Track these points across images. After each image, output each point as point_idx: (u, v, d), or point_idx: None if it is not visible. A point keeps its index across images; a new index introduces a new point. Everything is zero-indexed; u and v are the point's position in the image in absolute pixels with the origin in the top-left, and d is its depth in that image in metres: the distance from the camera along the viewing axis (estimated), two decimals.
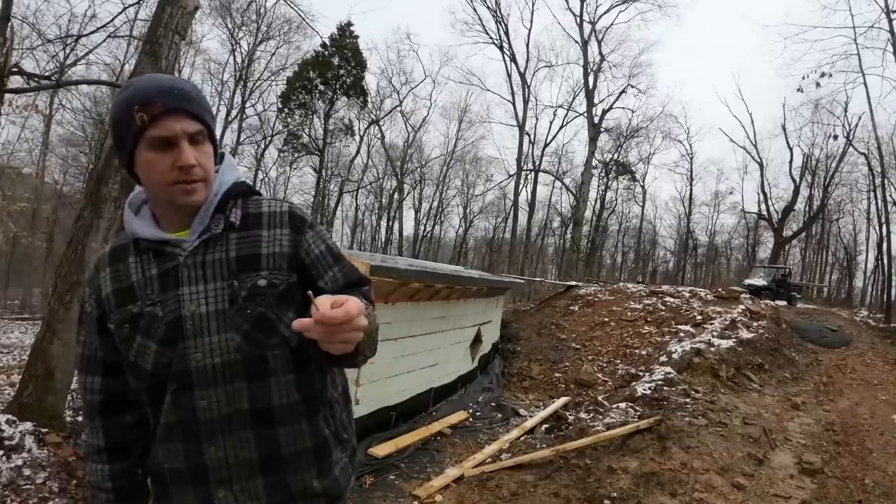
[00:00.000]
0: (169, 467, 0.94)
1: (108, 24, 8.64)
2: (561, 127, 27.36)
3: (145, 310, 0.93)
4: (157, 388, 0.93)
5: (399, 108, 28.30)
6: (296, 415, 0.96)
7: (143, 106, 0.89)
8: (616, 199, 33.25)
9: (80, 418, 4.55)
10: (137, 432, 1.02)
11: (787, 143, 26.52)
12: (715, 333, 8.52)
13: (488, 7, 24.34)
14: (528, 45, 24.98)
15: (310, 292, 0.79)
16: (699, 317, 9.72)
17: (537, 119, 33.82)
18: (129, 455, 1.02)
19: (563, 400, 7.10)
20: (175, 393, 0.91)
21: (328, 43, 24.48)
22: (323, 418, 1.00)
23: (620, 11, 23.75)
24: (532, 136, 26.87)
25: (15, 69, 5.36)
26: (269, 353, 0.94)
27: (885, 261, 19.06)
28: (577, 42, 24.08)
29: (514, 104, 25.30)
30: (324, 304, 0.73)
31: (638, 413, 5.25)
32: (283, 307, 0.94)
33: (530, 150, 26.65)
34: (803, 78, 18.29)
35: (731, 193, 32.80)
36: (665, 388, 6.03)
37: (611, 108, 25.12)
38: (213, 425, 0.91)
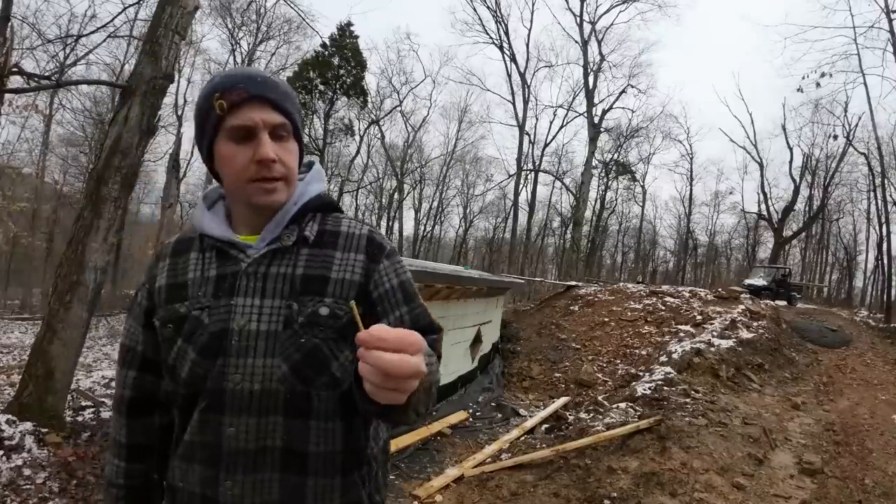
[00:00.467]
0: (183, 487, 0.87)
1: (108, 24, 8.67)
2: (561, 127, 27.39)
3: (192, 313, 0.86)
4: (191, 397, 0.86)
5: (399, 108, 28.33)
6: (331, 468, 0.85)
7: (224, 93, 0.82)
8: (616, 199, 33.29)
9: (79, 418, 4.55)
10: (163, 436, 0.95)
11: (787, 143, 26.58)
12: (715, 333, 8.52)
13: (488, 7, 24.38)
14: (528, 45, 25.01)
15: (352, 302, 0.68)
16: (699, 317, 9.72)
17: (537, 119, 33.86)
18: (150, 457, 0.96)
19: (563, 400, 7.10)
20: (204, 412, 0.83)
21: (328, 43, 24.47)
22: (359, 477, 0.89)
23: (620, 11, 23.78)
24: (532, 136, 26.90)
25: (15, 69, 5.36)
26: (315, 392, 0.83)
27: (885, 261, 19.06)
28: (577, 42, 24.11)
29: (514, 104, 25.33)
30: (378, 328, 0.60)
31: (638, 413, 5.25)
32: (340, 343, 0.84)
33: (530, 150, 26.70)
34: (803, 78, 18.32)
35: (731, 193, 32.85)
36: (665, 388, 6.04)
37: (611, 108, 25.14)
38: (237, 458, 0.82)
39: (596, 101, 24.23)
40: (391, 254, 0.93)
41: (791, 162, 26.92)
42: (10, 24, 5.60)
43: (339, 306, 0.85)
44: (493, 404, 7.07)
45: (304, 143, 0.93)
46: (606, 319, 10.51)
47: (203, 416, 0.83)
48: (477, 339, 7.73)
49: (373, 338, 0.58)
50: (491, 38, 25.03)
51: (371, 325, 0.60)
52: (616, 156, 30.29)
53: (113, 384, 6.15)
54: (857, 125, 23.04)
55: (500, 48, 24.90)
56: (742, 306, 10.41)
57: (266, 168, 0.83)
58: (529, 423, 5.90)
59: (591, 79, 23.90)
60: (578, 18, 23.49)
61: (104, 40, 10.81)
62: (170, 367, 0.88)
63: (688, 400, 5.66)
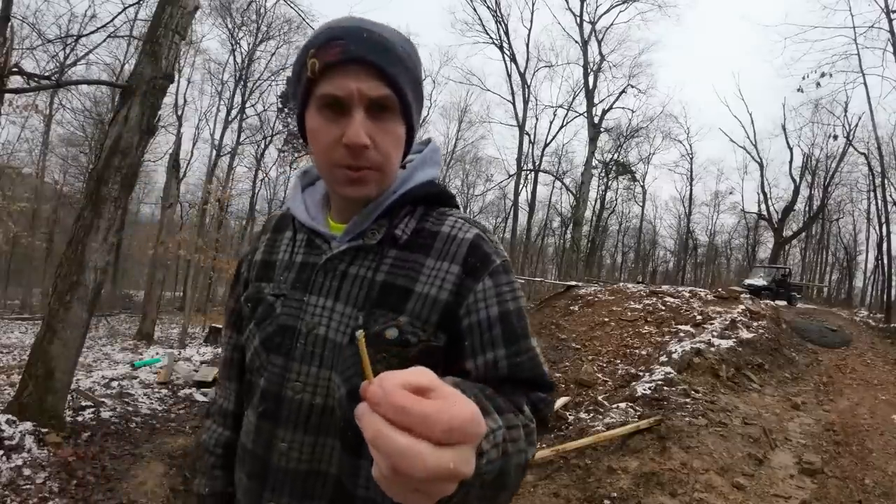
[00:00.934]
0: (236, 488, 0.81)
1: (108, 24, 8.70)
2: (561, 127, 27.39)
3: (268, 297, 0.77)
4: (251, 386, 0.79)
5: None
6: None
7: (319, 49, 0.65)
8: (616, 199, 33.33)
9: (79, 418, 4.55)
10: None
11: (787, 143, 26.60)
12: (715, 333, 8.52)
13: (488, 7, 24.38)
14: (528, 45, 25.04)
15: (360, 332, 0.41)
16: (699, 317, 9.72)
17: (537, 119, 33.76)
18: None
19: (563, 400, 7.09)
20: (259, 417, 0.74)
21: None
22: None
23: (620, 11, 23.76)
24: (532, 136, 26.91)
25: (15, 69, 5.37)
26: None
27: (885, 261, 19.08)
28: (577, 42, 24.11)
29: (514, 104, 25.36)
30: (395, 379, 0.37)
31: (638, 413, 5.25)
32: None
33: (530, 150, 26.70)
34: (803, 78, 18.26)
35: (731, 193, 32.89)
36: (665, 388, 6.04)
37: (611, 108, 25.15)
38: (284, 477, 0.71)
39: (596, 101, 24.25)
40: (498, 271, 0.71)
41: (791, 162, 27.00)
42: (10, 24, 5.60)
43: (413, 330, 0.68)
44: None
45: (414, 123, 0.72)
46: (606, 319, 10.51)
47: (258, 423, 0.75)
48: None
49: (386, 399, 0.36)
50: (491, 38, 25.06)
51: (411, 369, 0.38)
52: (616, 156, 30.32)
53: (113, 384, 6.15)
54: (857, 125, 23.11)
55: (500, 48, 24.95)
56: (742, 306, 10.40)
57: (354, 154, 0.66)
58: None
59: (591, 79, 23.91)
60: (578, 18, 23.51)
61: (104, 40, 10.84)
62: (243, 342, 0.83)
63: (688, 400, 5.66)
